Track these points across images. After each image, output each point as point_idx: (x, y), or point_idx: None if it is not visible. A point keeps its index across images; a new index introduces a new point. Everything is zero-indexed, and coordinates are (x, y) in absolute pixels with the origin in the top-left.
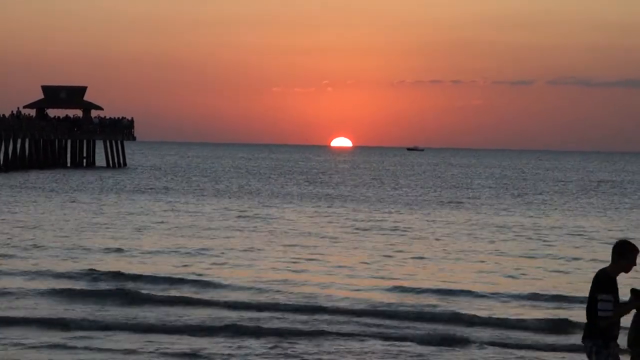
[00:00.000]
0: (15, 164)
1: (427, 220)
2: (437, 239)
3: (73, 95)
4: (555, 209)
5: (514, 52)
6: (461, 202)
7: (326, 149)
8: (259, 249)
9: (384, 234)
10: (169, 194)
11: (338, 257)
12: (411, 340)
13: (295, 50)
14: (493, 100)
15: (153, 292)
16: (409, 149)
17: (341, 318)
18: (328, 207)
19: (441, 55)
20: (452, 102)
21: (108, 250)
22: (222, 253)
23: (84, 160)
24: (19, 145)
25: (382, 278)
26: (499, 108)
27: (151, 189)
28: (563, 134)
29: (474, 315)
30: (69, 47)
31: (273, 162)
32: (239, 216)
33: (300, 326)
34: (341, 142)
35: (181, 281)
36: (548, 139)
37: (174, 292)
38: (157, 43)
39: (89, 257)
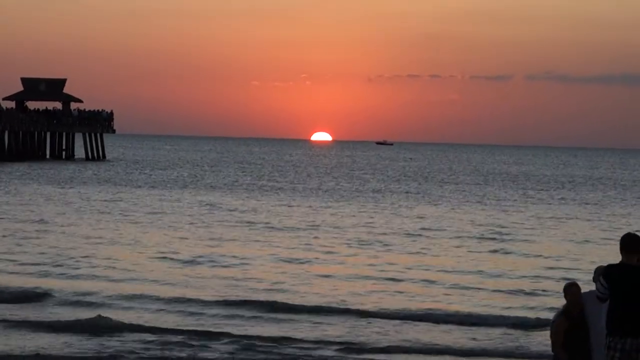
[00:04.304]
0: None
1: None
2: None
3: (52, 87)
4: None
5: (492, 47)
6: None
7: (306, 143)
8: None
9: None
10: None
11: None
12: None
13: (274, 44)
14: (471, 95)
15: None
16: (377, 143)
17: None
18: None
19: (419, 49)
20: (430, 97)
21: None
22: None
23: (63, 153)
24: None
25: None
26: (476, 103)
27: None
28: (540, 130)
29: None
30: (48, 39)
31: (252, 156)
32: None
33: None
34: (321, 136)
35: None
36: (525, 134)
37: None
38: (136, 36)
39: None
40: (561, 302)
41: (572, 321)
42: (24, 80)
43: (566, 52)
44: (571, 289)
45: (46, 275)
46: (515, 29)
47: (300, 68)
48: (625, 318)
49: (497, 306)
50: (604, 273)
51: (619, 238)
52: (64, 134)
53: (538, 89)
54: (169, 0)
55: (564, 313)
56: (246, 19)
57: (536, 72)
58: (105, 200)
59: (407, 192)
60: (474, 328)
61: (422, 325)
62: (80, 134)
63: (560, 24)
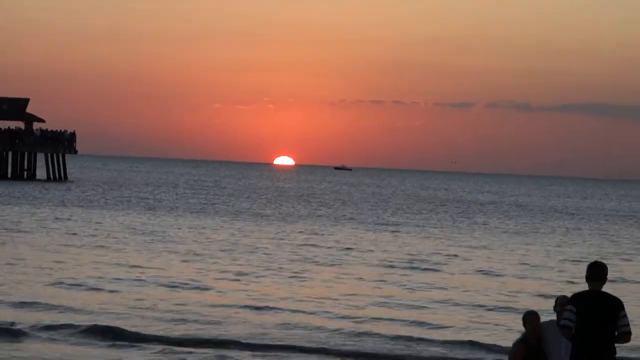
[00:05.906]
0: None
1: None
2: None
3: (15, 107)
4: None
5: (455, 75)
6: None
7: (268, 167)
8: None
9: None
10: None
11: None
12: None
13: (237, 67)
14: (433, 122)
15: None
16: (336, 168)
17: None
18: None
19: (383, 75)
20: (393, 123)
21: None
22: None
23: (25, 173)
24: None
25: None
26: (439, 130)
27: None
28: (502, 157)
29: None
30: (11, 59)
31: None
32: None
33: None
34: (284, 160)
35: None
36: (487, 161)
37: None
38: (99, 56)
39: None
40: (481, 334)
41: (530, 349)
42: None
43: (527, 82)
44: (530, 317)
45: None
46: (478, 57)
47: (263, 91)
48: (591, 343)
49: (415, 339)
50: (572, 301)
51: (532, 267)
52: (26, 153)
53: (499, 117)
54: (132, 22)
55: (523, 340)
56: (209, 41)
57: (498, 100)
58: (53, 220)
59: (329, 216)
60: None
61: None
62: (43, 154)
63: (522, 52)
